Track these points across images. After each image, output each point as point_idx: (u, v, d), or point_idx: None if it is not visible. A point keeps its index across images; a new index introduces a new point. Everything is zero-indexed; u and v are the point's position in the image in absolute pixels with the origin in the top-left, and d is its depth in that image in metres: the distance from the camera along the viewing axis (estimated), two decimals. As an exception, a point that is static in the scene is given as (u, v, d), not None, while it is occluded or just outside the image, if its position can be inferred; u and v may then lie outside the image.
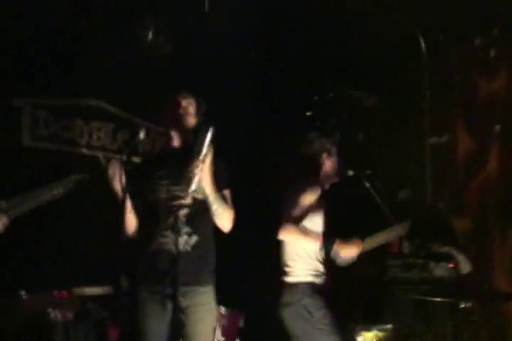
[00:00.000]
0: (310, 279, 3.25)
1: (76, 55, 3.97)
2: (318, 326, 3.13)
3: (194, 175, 2.53)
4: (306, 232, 3.21)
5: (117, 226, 2.49)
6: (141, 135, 2.61)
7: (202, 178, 2.57)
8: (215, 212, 2.71)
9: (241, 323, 3.70)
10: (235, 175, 4.09)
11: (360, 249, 3.25)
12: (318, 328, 3.13)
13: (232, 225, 2.80)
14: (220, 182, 2.73)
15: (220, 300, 3.28)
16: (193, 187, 2.55)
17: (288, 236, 3.22)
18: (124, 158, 2.60)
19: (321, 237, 3.23)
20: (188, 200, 2.70)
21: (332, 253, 3.23)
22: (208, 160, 2.57)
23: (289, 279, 3.30)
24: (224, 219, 2.75)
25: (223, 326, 3.61)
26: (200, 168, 2.53)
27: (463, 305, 2.88)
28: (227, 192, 2.83)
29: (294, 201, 3.25)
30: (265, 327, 3.76)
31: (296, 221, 3.20)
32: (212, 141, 2.56)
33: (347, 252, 3.22)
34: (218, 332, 3.58)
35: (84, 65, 4.00)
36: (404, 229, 3.41)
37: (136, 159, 3.05)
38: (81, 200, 3.75)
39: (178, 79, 4.41)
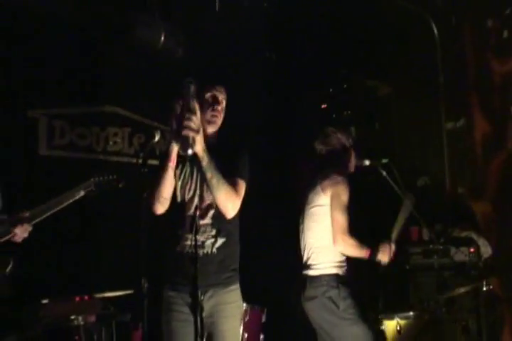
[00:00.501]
0: (334, 271, 3.26)
1: (88, 63, 4.05)
2: (345, 316, 3.15)
3: (188, 132, 2.50)
4: (360, 248, 3.26)
5: (138, 230, 2.51)
6: (157, 137, 2.60)
7: (196, 138, 2.50)
8: (210, 183, 2.60)
9: (264, 318, 3.70)
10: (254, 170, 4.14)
11: (393, 249, 3.29)
12: (344, 318, 3.14)
13: (238, 213, 2.70)
14: (234, 168, 2.69)
15: (242, 296, 3.33)
16: (192, 147, 2.51)
17: (347, 250, 3.26)
18: (140, 161, 2.62)
19: (369, 252, 3.27)
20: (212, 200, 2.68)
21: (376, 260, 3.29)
22: (198, 115, 2.53)
23: (312, 272, 3.30)
24: (220, 192, 2.62)
25: (246, 322, 3.60)
26: (192, 122, 2.49)
27: (484, 289, 2.86)
28: (240, 181, 2.71)
29: (337, 204, 3.25)
30: (288, 322, 3.78)
31: (349, 230, 3.24)
32: (195, 95, 2.54)
33: (386, 258, 3.29)
34: (241, 328, 3.59)
35: (98, 72, 4.09)
36: (412, 200, 3.41)
37: (153, 162, 3.08)
38: (102, 204, 3.87)
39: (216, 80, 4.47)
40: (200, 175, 2.73)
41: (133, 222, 2.63)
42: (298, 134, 4.80)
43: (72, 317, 3.02)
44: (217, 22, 4.70)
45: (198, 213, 2.63)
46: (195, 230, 2.56)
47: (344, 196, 3.28)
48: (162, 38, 4.31)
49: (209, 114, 2.74)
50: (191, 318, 2.59)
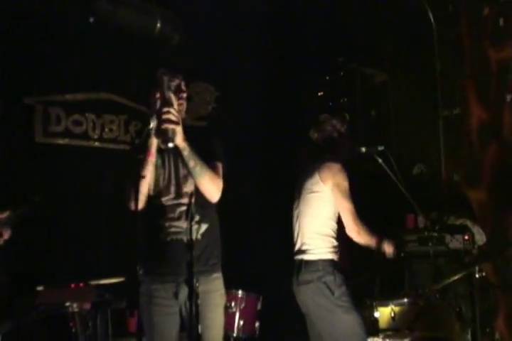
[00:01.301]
0: (330, 257, 3.26)
1: (83, 49, 4.03)
2: (338, 303, 3.14)
3: (168, 125, 2.50)
4: (372, 235, 3.28)
5: (130, 216, 2.52)
6: (152, 124, 2.59)
7: (176, 129, 2.52)
8: (194, 170, 2.64)
9: (259, 306, 3.72)
10: (245, 157, 4.14)
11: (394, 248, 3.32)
12: (338, 305, 3.14)
13: (221, 198, 2.72)
14: (210, 153, 2.73)
15: (238, 284, 3.35)
16: (173, 140, 2.51)
17: (361, 237, 3.26)
18: (136, 147, 2.63)
19: (378, 240, 3.29)
20: (192, 188, 2.70)
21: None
22: (175, 107, 2.54)
23: (308, 257, 3.29)
24: (205, 178, 2.66)
25: (241, 309, 3.62)
26: (171, 114, 2.50)
27: (478, 276, 2.88)
28: (218, 165, 2.76)
29: (343, 192, 3.26)
30: (284, 310, 3.80)
31: (359, 218, 3.26)
32: (171, 87, 2.55)
33: (392, 249, 3.32)
34: (237, 316, 3.61)
35: (93, 59, 4.07)
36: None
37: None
38: (94, 193, 3.88)
39: (190, 67, 4.46)
40: (174, 164, 2.74)
41: (127, 208, 2.64)
42: (294, 121, 4.80)
43: (67, 304, 3.02)
44: (215, 8, 4.69)
45: (192, 201, 2.59)
46: (190, 220, 2.53)
47: (345, 183, 3.28)
48: (158, 25, 4.29)
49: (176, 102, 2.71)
50: (174, 310, 2.62)
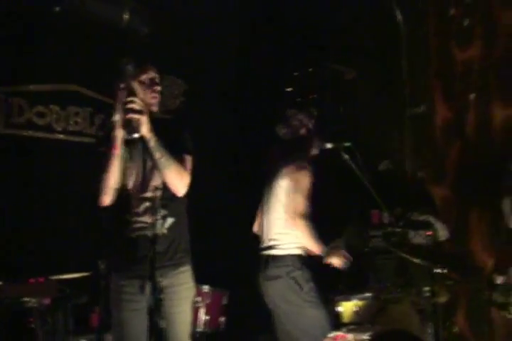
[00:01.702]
0: (298, 252, 3.27)
1: (49, 40, 3.96)
2: (307, 298, 3.17)
3: (133, 115, 2.48)
4: (314, 240, 3.22)
5: (95, 211, 2.48)
6: (117, 116, 2.54)
7: (140, 119, 2.49)
8: (159, 162, 2.60)
9: (225, 301, 3.71)
10: (213, 152, 4.12)
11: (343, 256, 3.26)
12: (306, 300, 3.16)
13: (187, 189, 2.69)
14: (179, 145, 2.69)
15: (204, 279, 3.34)
16: (139, 130, 2.48)
17: (301, 231, 3.23)
18: (100, 140, 2.59)
19: (321, 249, 3.23)
20: (159, 182, 2.68)
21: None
22: (140, 96, 2.51)
23: (276, 252, 3.30)
24: (170, 171, 2.62)
25: (207, 305, 3.62)
26: (135, 104, 2.47)
27: (438, 271, 2.93)
28: (186, 157, 2.73)
29: (296, 187, 3.25)
30: (250, 304, 3.81)
31: (304, 212, 3.22)
32: (134, 76, 2.53)
33: (338, 261, 3.24)
34: (202, 311, 3.60)
35: (58, 50, 4.01)
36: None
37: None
38: (58, 186, 3.83)
39: (158, 60, 4.43)
40: (141, 158, 2.71)
41: (90, 203, 2.61)
42: (263, 117, 4.80)
43: (26, 299, 2.95)
44: (184, 1, 4.65)
45: (157, 195, 2.57)
46: (154, 214, 2.51)
47: (305, 181, 3.28)
48: (126, 16, 4.24)
49: (149, 95, 2.70)
50: (142, 306, 2.57)
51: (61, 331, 3.08)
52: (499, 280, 3.36)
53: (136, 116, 2.50)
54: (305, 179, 3.28)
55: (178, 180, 2.65)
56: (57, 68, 4.10)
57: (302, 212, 3.22)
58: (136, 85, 2.57)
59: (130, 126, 2.50)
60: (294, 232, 3.27)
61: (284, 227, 3.31)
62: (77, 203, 3.84)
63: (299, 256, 3.26)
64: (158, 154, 2.59)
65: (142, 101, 2.55)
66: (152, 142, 2.57)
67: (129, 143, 2.69)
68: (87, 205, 2.50)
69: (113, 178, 2.62)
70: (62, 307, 3.10)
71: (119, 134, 2.57)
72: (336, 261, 3.21)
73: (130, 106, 2.50)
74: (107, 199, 2.65)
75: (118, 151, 2.59)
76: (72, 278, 3.17)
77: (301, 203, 3.23)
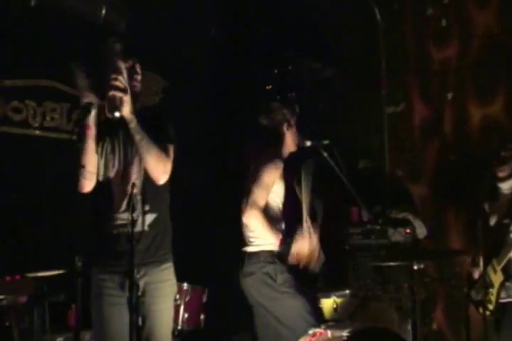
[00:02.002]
0: (272, 248, 3.26)
1: (25, 35, 3.90)
2: (282, 289, 3.15)
3: (116, 92, 2.42)
4: (268, 226, 3.21)
5: (72, 208, 2.43)
6: (93, 112, 2.49)
7: (123, 98, 2.43)
8: (140, 145, 2.54)
9: (204, 298, 3.70)
10: (193, 149, 4.09)
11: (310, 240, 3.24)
12: (282, 292, 3.15)
13: (168, 177, 2.63)
14: (161, 134, 2.64)
15: (183, 276, 3.32)
16: (120, 109, 2.43)
17: (252, 223, 3.23)
18: (75, 136, 2.52)
19: (280, 238, 3.22)
20: (140, 176, 2.63)
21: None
22: (124, 75, 2.47)
23: (251, 249, 3.30)
24: (151, 155, 2.56)
25: (186, 302, 3.59)
26: (119, 81, 2.43)
27: (416, 268, 2.95)
28: (169, 146, 2.66)
29: (258, 180, 3.23)
30: (229, 302, 3.80)
31: (261, 204, 3.21)
32: (121, 55, 2.51)
33: (305, 249, 3.23)
34: (182, 309, 3.58)
35: (35, 45, 3.95)
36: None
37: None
38: (34, 182, 3.77)
39: (135, 56, 4.39)
40: (123, 150, 2.66)
41: (67, 199, 2.55)
42: (242, 114, 4.79)
43: (1, 296, 2.90)
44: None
45: (132, 191, 2.53)
46: (132, 210, 2.48)
47: (266, 174, 3.24)
48: (103, 11, 4.19)
49: (129, 84, 2.61)
50: (123, 301, 2.55)
51: (38, 329, 3.02)
52: (475, 274, 3.41)
53: (119, 94, 2.44)
54: (267, 173, 3.25)
55: (159, 166, 2.59)
56: (33, 63, 4.03)
57: (258, 205, 3.19)
58: (121, 64, 2.51)
59: (112, 104, 2.44)
60: (248, 225, 3.26)
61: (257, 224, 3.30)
62: (54, 199, 3.78)
63: (272, 252, 3.24)
64: (139, 136, 2.52)
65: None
66: (133, 124, 2.51)
67: (111, 135, 2.66)
68: (64, 201, 2.44)
69: (91, 161, 2.56)
70: (38, 305, 3.05)
71: (92, 115, 2.50)
72: (300, 249, 3.18)
73: (115, 83, 2.44)
74: (87, 185, 2.59)
75: (91, 131, 2.53)
76: (49, 275, 3.11)
77: (258, 197, 3.20)
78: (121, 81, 2.46)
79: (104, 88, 2.49)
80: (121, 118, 2.50)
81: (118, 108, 2.45)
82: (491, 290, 3.26)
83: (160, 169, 2.60)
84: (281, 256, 3.22)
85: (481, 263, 3.20)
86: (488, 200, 3.47)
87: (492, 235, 3.34)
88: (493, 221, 3.39)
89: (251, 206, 3.19)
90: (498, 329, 3.35)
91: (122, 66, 2.51)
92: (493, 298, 3.25)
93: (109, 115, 2.49)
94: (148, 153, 2.55)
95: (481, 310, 3.25)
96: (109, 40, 2.57)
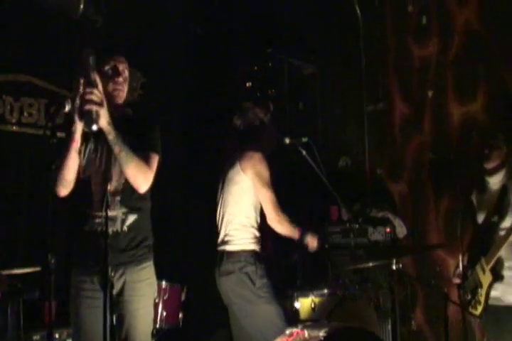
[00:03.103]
0: (252, 247, 3.25)
1: (1, 30, 3.83)
2: (260, 294, 3.14)
3: (91, 106, 2.39)
4: (293, 225, 3.24)
5: (47, 204, 2.39)
6: (67, 107, 2.42)
7: (100, 112, 2.41)
8: (119, 157, 2.52)
9: (183, 297, 3.67)
10: (170, 146, 4.04)
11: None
12: (259, 296, 3.14)
13: (150, 186, 2.61)
14: (145, 142, 2.62)
15: (162, 275, 3.28)
16: (97, 122, 2.40)
17: (282, 226, 3.23)
18: (48, 132, 2.48)
19: (299, 232, 3.25)
20: (119, 179, 2.60)
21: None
22: (99, 88, 2.42)
23: (230, 248, 3.27)
24: (130, 166, 2.53)
25: (165, 300, 3.57)
26: (94, 95, 2.39)
27: (394, 267, 2.93)
28: (152, 155, 2.64)
29: (264, 182, 3.22)
30: (207, 300, 3.77)
31: (281, 208, 3.22)
32: (95, 67, 2.44)
33: (315, 243, 3.30)
34: (160, 307, 3.55)
35: (11, 39, 3.88)
36: None
37: (62, 134, 2.92)
38: (10, 179, 3.71)
39: (114, 51, 4.32)
40: (105, 151, 2.63)
41: (42, 196, 2.51)
42: (221, 112, 4.75)
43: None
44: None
45: (108, 189, 2.53)
46: (106, 207, 2.45)
47: (266, 173, 3.26)
48: (81, 6, 4.13)
49: (111, 87, 2.62)
50: (101, 303, 2.45)
51: (12, 326, 2.98)
52: (457, 280, 3.33)
53: (94, 107, 2.41)
54: (265, 171, 3.26)
55: (138, 177, 2.56)
56: (9, 58, 3.96)
57: (277, 204, 3.21)
58: (96, 77, 2.46)
59: (88, 117, 2.41)
60: (248, 227, 3.26)
61: (238, 222, 3.29)
62: (29, 196, 3.73)
63: (252, 252, 3.24)
64: (117, 148, 2.50)
65: (104, 93, 2.46)
66: (111, 136, 2.48)
67: (95, 134, 2.57)
68: (40, 198, 2.39)
69: (70, 172, 2.54)
70: (13, 303, 3.01)
71: (78, 128, 2.47)
72: (312, 242, 3.26)
73: (89, 97, 2.41)
74: (64, 191, 2.57)
75: (76, 145, 2.50)
76: (23, 272, 3.08)
77: (272, 195, 3.22)
78: (97, 94, 2.43)
79: (76, 97, 2.44)
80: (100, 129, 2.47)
81: (95, 121, 2.42)
82: (479, 290, 3.14)
83: (139, 179, 2.58)
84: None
85: (461, 262, 3.17)
86: (476, 193, 3.35)
87: (479, 233, 3.25)
88: (480, 218, 3.28)
89: (277, 210, 3.20)
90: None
91: (97, 78, 2.46)
92: (482, 299, 3.12)
93: (86, 129, 2.47)
94: (126, 164, 2.53)
95: (471, 310, 3.17)
96: (83, 52, 2.51)
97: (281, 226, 3.25)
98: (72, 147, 2.49)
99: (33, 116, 4.08)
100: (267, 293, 3.16)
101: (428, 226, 4.32)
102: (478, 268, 3.17)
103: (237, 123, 3.48)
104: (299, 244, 3.31)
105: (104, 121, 2.45)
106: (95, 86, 2.44)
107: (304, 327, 2.79)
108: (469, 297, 3.19)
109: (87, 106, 2.41)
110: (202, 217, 3.81)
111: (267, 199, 3.23)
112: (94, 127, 2.42)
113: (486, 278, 3.13)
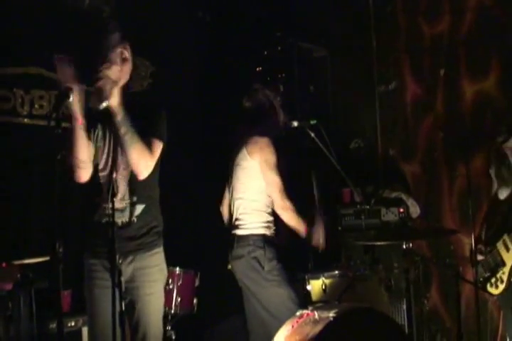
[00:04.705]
0: (262, 231, 3.27)
1: (10, 22, 3.87)
2: (269, 277, 3.18)
3: (105, 82, 2.42)
4: (298, 215, 3.25)
5: (56, 196, 2.41)
6: (71, 97, 2.40)
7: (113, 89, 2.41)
8: (123, 139, 2.50)
9: (197, 282, 3.71)
10: (181, 133, 4.06)
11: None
12: (268, 279, 3.18)
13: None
14: (150, 128, 2.60)
15: (175, 261, 3.32)
16: (108, 99, 2.41)
17: (288, 217, 3.25)
18: (53, 123, 2.51)
19: (306, 227, 3.25)
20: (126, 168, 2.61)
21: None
22: (118, 66, 2.47)
23: (240, 232, 3.31)
24: (133, 150, 2.52)
25: (179, 286, 3.60)
26: (111, 71, 2.42)
27: (405, 247, 2.92)
28: (155, 142, 2.62)
29: (270, 167, 3.23)
30: (222, 284, 3.80)
31: (287, 193, 3.22)
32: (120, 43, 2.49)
33: (321, 239, 3.31)
34: (174, 293, 3.58)
35: (21, 32, 3.92)
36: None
37: (66, 124, 2.94)
38: (22, 171, 3.77)
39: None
40: (112, 139, 2.64)
41: (54, 186, 2.53)
42: (232, 97, 4.74)
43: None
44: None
45: (115, 177, 2.54)
46: (112, 196, 2.45)
47: (272, 158, 3.26)
48: (87, -4, 4.15)
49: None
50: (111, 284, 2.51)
51: (25, 316, 3.04)
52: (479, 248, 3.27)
53: (108, 84, 2.43)
54: (272, 156, 3.27)
55: (140, 162, 2.55)
56: (19, 51, 4.00)
57: (284, 189, 3.21)
58: (116, 54, 2.50)
59: (100, 94, 2.42)
60: (257, 211, 3.26)
61: (247, 207, 3.30)
62: (41, 187, 3.78)
63: (262, 236, 3.26)
64: (124, 129, 2.49)
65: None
66: (119, 116, 2.48)
67: (102, 123, 2.63)
68: (51, 189, 2.42)
69: (83, 151, 2.54)
70: (25, 292, 3.06)
71: (77, 105, 2.46)
72: (318, 240, 3.27)
73: (106, 72, 2.43)
74: (83, 174, 2.58)
75: (80, 122, 2.50)
76: (34, 262, 3.12)
77: (279, 181, 3.23)
78: (114, 71, 2.46)
79: (92, 74, 2.48)
80: (109, 109, 2.47)
81: (106, 98, 2.43)
82: (501, 268, 3.04)
83: (141, 165, 2.57)
84: None
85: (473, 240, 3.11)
86: (495, 169, 3.25)
87: (502, 209, 3.14)
88: (503, 194, 3.16)
89: (283, 197, 3.21)
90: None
91: (117, 57, 2.49)
92: (504, 277, 3.02)
93: (95, 105, 2.47)
94: (130, 147, 2.52)
95: (489, 289, 3.11)
96: (108, 26, 2.53)
97: (286, 213, 3.25)
98: (76, 126, 2.48)
99: (43, 108, 4.12)
100: (277, 276, 3.18)
101: (442, 206, 4.29)
102: (500, 245, 3.08)
103: (246, 104, 3.48)
104: (306, 241, 3.29)
105: (115, 100, 2.45)
106: (113, 63, 2.47)
107: (314, 309, 2.80)
108: (488, 275, 3.14)
109: (101, 82, 2.43)
110: (214, 202, 3.83)
111: (273, 185, 3.24)
112: (105, 104, 2.43)
113: (510, 256, 3.02)
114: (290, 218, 3.26)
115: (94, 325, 2.67)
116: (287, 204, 3.23)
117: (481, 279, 3.18)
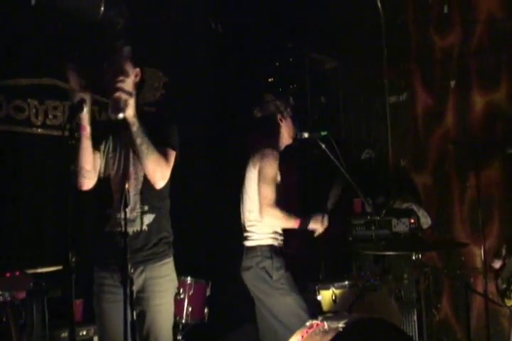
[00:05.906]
0: (269, 242, 3.30)
1: (25, 34, 3.93)
2: (277, 286, 3.20)
3: (121, 94, 2.46)
4: (287, 219, 3.26)
5: (69, 203, 2.44)
6: (85, 109, 2.46)
7: (128, 100, 2.47)
8: (140, 149, 2.53)
9: (208, 292, 3.72)
10: (194, 143, 4.09)
11: (326, 218, 3.33)
12: (277, 288, 3.19)
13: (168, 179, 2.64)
14: (164, 139, 2.64)
15: (186, 271, 3.34)
16: (125, 110, 2.46)
17: (273, 222, 3.27)
18: (66, 133, 2.55)
19: (299, 221, 3.27)
20: (138, 178, 2.64)
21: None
22: (131, 78, 2.53)
23: (249, 243, 3.35)
24: (150, 160, 2.55)
25: (190, 296, 3.61)
26: (125, 84, 2.48)
27: (414, 258, 2.92)
28: (170, 151, 2.65)
29: (263, 177, 3.25)
30: (233, 295, 3.82)
31: (274, 200, 3.23)
32: (133, 57, 2.55)
33: (319, 226, 3.35)
34: (185, 302, 3.60)
35: (35, 43, 3.98)
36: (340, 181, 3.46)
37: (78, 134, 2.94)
38: (36, 180, 3.81)
39: (136, 51, 4.40)
40: (124, 149, 2.68)
41: (68, 196, 2.57)
42: (244, 108, 4.78)
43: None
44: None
45: (127, 188, 2.54)
46: (124, 206, 2.43)
47: (269, 170, 3.26)
48: (102, 8, 4.20)
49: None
50: (122, 298, 2.47)
51: (38, 325, 3.06)
52: (497, 264, 3.27)
53: (124, 96, 2.47)
54: (269, 167, 3.26)
55: (157, 172, 2.59)
56: (34, 62, 4.07)
57: (271, 201, 3.21)
58: (129, 67, 2.56)
59: (116, 105, 2.47)
60: (263, 223, 3.28)
61: (254, 218, 3.32)
62: (55, 197, 3.82)
63: (269, 246, 3.29)
64: (139, 140, 2.53)
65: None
66: (135, 127, 2.52)
67: (114, 133, 2.67)
68: (65, 199, 2.44)
69: (87, 160, 2.56)
70: (37, 301, 3.08)
71: (86, 115, 2.51)
72: (316, 226, 3.31)
73: (120, 85, 2.49)
74: (86, 182, 2.61)
75: (85, 132, 2.53)
76: (47, 271, 3.15)
77: (268, 192, 3.22)
78: (129, 83, 2.52)
79: (107, 86, 2.54)
80: (124, 119, 2.53)
81: (122, 109, 2.48)
82: None
83: (157, 175, 2.60)
84: None
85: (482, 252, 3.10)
86: None
87: None
88: None
89: (264, 204, 3.22)
90: None
91: (130, 69, 2.55)
92: None
93: (111, 116, 2.52)
94: (146, 158, 2.55)
95: (507, 301, 3.11)
96: (117, 43, 2.60)
97: (270, 220, 3.25)
98: (82, 134, 2.52)
99: (57, 119, 4.17)
100: (285, 285, 3.20)
101: (453, 217, 4.29)
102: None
103: (257, 115, 3.51)
104: (303, 232, 3.31)
105: (130, 111, 2.50)
106: (128, 75, 2.53)
107: (324, 319, 2.81)
108: (504, 286, 3.13)
109: (117, 94, 2.48)
110: (226, 212, 3.86)
111: (260, 194, 3.24)
112: (121, 115, 2.48)
113: None
114: (277, 224, 3.29)
115: (104, 338, 2.69)
116: (271, 213, 3.22)
117: (500, 290, 3.16)
